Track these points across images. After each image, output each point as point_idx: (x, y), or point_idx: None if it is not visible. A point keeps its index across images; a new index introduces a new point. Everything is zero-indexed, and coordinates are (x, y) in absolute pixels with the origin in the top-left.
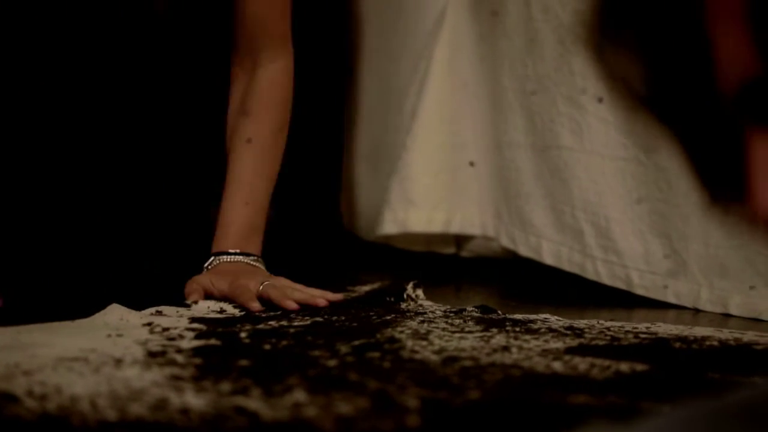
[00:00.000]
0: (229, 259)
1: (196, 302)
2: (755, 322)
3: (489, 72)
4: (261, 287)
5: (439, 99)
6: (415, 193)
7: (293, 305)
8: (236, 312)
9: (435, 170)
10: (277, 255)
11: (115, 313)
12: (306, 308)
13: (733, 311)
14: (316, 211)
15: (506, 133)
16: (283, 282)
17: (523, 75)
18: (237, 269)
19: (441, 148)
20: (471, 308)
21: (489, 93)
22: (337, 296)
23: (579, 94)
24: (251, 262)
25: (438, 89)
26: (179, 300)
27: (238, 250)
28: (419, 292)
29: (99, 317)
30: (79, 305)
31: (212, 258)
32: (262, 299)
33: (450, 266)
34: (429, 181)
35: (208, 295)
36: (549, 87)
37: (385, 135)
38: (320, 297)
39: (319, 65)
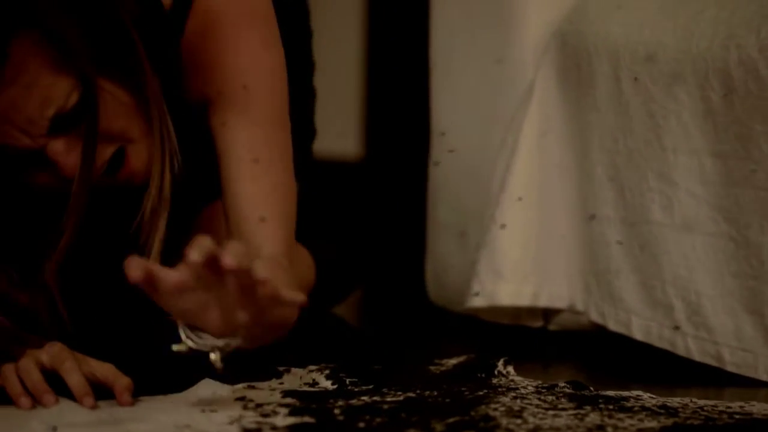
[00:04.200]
0: None
1: None
2: None
3: (578, 145)
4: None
5: (527, 172)
6: (504, 266)
7: None
8: (328, 384)
9: (524, 244)
10: (363, 325)
11: (208, 387)
12: (398, 383)
13: None
14: (401, 282)
15: (595, 207)
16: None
17: (613, 149)
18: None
19: (530, 222)
20: (563, 384)
21: (578, 166)
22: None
23: (669, 169)
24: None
25: (526, 162)
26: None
27: None
28: (510, 368)
29: (192, 392)
30: (171, 380)
31: None
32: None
33: (537, 339)
34: (517, 254)
35: None
36: (639, 161)
37: (472, 207)
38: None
39: (402, 131)
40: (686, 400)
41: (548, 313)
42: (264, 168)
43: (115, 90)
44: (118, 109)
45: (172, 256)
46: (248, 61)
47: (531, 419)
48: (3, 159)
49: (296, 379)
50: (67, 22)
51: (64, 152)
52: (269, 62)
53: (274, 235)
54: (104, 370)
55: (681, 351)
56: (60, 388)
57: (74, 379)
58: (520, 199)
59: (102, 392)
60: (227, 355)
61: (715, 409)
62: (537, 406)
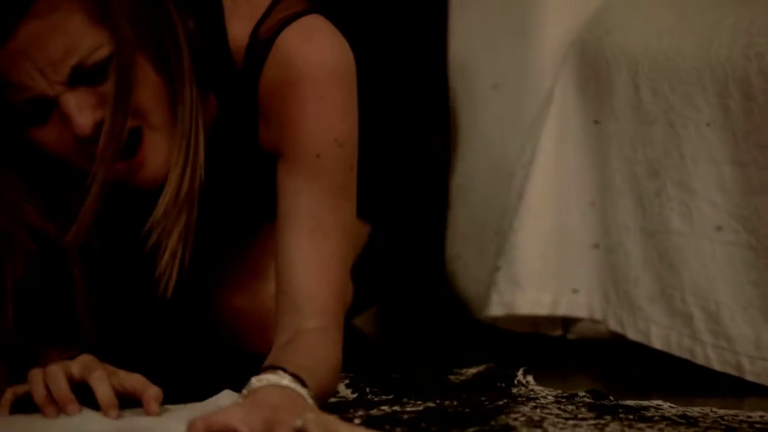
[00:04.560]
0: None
1: None
2: None
3: (597, 154)
4: (301, 423)
5: (546, 181)
6: (522, 275)
7: None
8: (348, 393)
9: (542, 253)
10: (382, 332)
11: (228, 398)
12: (418, 392)
13: None
14: (420, 288)
15: (615, 217)
16: (326, 418)
17: (632, 158)
18: (276, 400)
19: (548, 231)
20: (582, 393)
21: (597, 175)
22: None
23: (689, 178)
24: (292, 386)
25: (545, 171)
26: None
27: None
28: (530, 378)
29: (212, 402)
30: (191, 388)
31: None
32: None
33: (556, 348)
34: (536, 263)
35: None
36: (658, 170)
37: (491, 215)
38: None
39: (422, 135)
40: (706, 409)
41: (567, 322)
42: (322, 237)
43: (146, 66)
44: (146, 85)
45: (209, 269)
46: (325, 129)
47: (551, 429)
48: (15, 107)
49: None
50: None
51: (78, 107)
52: (345, 131)
53: (322, 309)
54: (133, 381)
55: (700, 360)
56: (87, 398)
57: (102, 391)
58: (538, 207)
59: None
60: None
61: (736, 418)
62: (557, 416)
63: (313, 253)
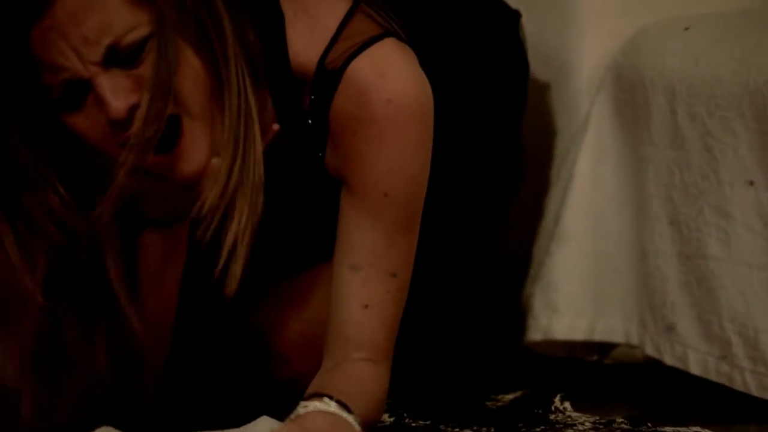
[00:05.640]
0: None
1: None
2: None
3: (633, 179)
4: None
5: (582, 205)
6: (559, 300)
7: None
8: (386, 417)
9: (579, 277)
10: (418, 362)
11: (265, 424)
12: (455, 418)
13: None
14: (459, 315)
15: (652, 242)
16: None
17: (669, 183)
18: (324, 427)
19: (585, 255)
20: (620, 420)
21: (633, 200)
22: None
23: (726, 203)
24: (339, 413)
25: (581, 195)
26: None
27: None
28: (567, 404)
29: (249, 428)
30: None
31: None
32: None
33: (592, 373)
34: (573, 288)
35: None
36: (695, 195)
37: (527, 239)
38: None
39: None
40: None
41: (603, 347)
42: (379, 272)
43: (187, 50)
44: (186, 70)
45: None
46: (396, 169)
47: None
48: (50, 90)
49: None
50: None
51: (113, 90)
52: (417, 169)
53: (373, 344)
54: None
55: (739, 386)
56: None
57: None
58: (574, 231)
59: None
60: None
61: None
62: None
63: (367, 288)
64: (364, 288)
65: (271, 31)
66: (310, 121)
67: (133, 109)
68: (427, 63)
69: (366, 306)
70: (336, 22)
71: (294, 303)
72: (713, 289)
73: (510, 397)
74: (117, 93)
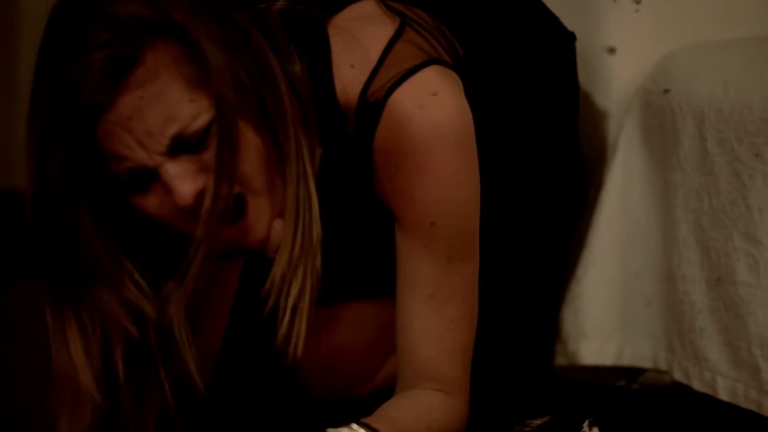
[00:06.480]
0: None
1: None
2: None
3: (661, 204)
4: None
5: (610, 229)
6: (587, 324)
7: None
8: None
9: (606, 301)
10: None
11: None
12: None
13: None
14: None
15: (680, 267)
16: None
17: (698, 208)
18: None
19: (612, 279)
20: None
21: (661, 225)
22: None
23: (755, 229)
24: None
25: (609, 219)
26: None
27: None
28: (595, 429)
29: None
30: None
31: None
32: None
33: (620, 398)
34: (600, 312)
35: None
36: (724, 221)
37: None
38: None
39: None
40: None
41: (631, 372)
42: (440, 303)
43: (248, 130)
44: (248, 151)
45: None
46: (440, 198)
47: None
48: (116, 175)
49: None
50: (215, 48)
51: (180, 177)
52: (462, 197)
53: (442, 375)
54: None
55: (767, 412)
56: None
57: None
58: (602, 256)
59: None
60: None
61: None
62: None
63: (431, 319)
64: (427, 320)
65: (318, 66)
66: (353, 153)
67: (201, 192)
68: (484, 84)
69: (430, 339)
70: (379, 49)
71: (320, 333)
72: (742, 314)
73: (538, 422)
74: (184, 180)
